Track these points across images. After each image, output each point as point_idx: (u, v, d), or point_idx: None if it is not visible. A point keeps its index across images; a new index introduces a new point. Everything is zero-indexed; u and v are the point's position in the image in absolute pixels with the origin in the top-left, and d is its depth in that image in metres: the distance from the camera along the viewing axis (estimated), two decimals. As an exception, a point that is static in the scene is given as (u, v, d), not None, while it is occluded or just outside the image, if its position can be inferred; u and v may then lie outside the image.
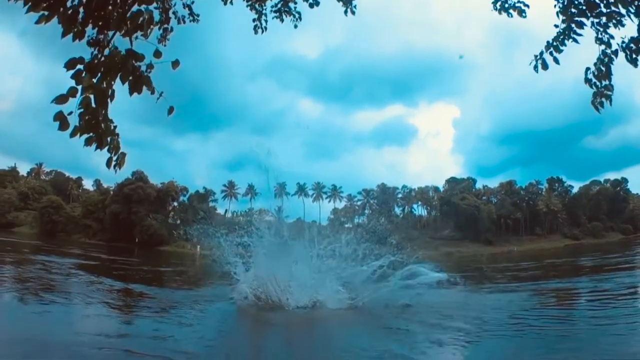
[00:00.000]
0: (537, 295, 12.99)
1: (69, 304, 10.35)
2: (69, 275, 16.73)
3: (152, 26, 3.63)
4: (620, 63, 4.71)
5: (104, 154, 3.38)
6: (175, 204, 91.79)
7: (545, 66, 4.91)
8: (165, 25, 4.87)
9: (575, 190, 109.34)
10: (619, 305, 10.56)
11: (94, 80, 3.21)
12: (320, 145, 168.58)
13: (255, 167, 12.43)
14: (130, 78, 3.28)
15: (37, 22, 3.15)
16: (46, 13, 3.14)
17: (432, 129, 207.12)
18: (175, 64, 3.42)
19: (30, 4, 3.08)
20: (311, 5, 6.42)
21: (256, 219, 12.75)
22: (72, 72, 3.13)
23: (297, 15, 6.58)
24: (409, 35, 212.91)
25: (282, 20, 6.55)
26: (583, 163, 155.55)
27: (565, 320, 9.16)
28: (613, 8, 4.55)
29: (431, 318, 9.37)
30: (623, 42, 4.64)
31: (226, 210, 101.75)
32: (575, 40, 4.79)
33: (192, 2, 5.77)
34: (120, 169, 3.48)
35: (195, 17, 5.77)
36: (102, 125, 3.28)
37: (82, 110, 3.15)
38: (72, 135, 3.13)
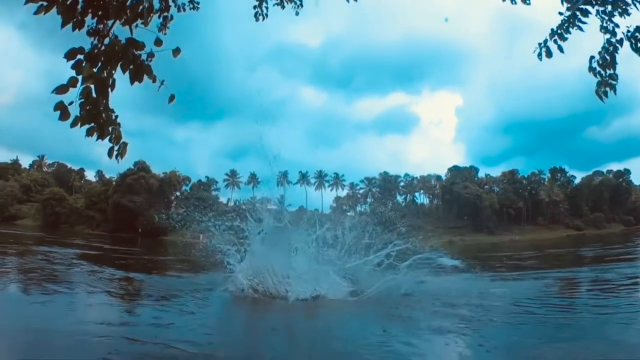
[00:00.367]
0: (539, 284, 13.05)
1: (72, 294, 10.43)
2: (71, 265, 16.84)
3: (152, 14, 3.60)
4: (623, 55, 4.67)
5: (106, 144, 3.38)
6: (178, 193, 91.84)
7: (549, 54, 4.87)
8: (165, 14, 4.82)
9: (577, 180, 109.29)
10: (620, 295, 10.62)
11: (95, 70, 3.19)
12: (323, 133, 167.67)
13: (257, 155, 12.29)
14: (131, 67, 3.26)
15: (36, 13, 3.11)
16: (45, 3, 3.10)
17: (435, 118, 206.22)
18: (176, 51, 3.39)
19: (29, -6, 3.05)
20: (312, -8, 6.36)
21: (258, 208, 12.57)
22: (72, 62, 3.11)
23: (298, 2, 6.51)
24: (412, 22, 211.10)
25: (282, 7, 6.49)
26: (586, 153, 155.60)
27: (567, 309, 9.20)
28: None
29: (433, 306, 9.44)
30: (628, 31, 4.60)
31: (229, 199, 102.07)
32: (580, 28, 4.74)
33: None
34: (122, 158, 3.48)
35: (195, 4, 5.70)
36: (103, 115, 3.27)
37: (82, 100, 3.13)
38: (73, 125, 3.12)
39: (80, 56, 3.13)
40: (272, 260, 10.91)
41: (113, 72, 3.29)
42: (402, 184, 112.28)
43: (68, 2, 3.18)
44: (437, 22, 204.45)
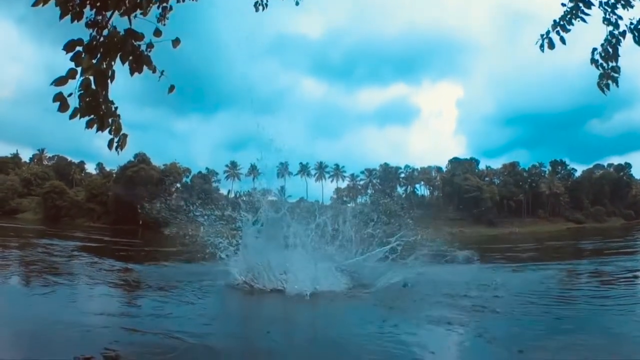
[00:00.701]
0: (539, 276, 13.11)
1: (73, 285, 10.49)
2: (72, 257, 16.88)
3: (151, 5, 3.57)
4: (626, 47, 4.64)
5: (106, 137, 3.37)
6: (178, 185, 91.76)
7: (551, 45, 4.84)
8: (164, 4, 4.77)
9: (578, 173, 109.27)
10: (619, 288, 10.69)
11: (94, 62, 3.17)
12: (323, 124, 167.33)
13: (257, 147, 12.19)
14: (131, 58, 3.24)
15: (34, 5, 3.09)
16: (43, -5, 3.08)
17: (435, 109, 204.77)
18: (176, 42, 3.37)
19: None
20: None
21: (259, 200, 12.41)
22: (71, 54, 3.09)
23: (298, -9, 6.45)
24: (413, 13, 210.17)
25: (283, -4, 6.42)
26: (587, 147, 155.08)
27: (567, 300, 9.23)
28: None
29: (434, 296, 9.47)
30: (631, 23, 4.57)
31: (229, 191, 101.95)
32: (583, 20, 4.70)
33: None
34: (122, 150, 3.47)
35: (195, -6, 5.65)
36: (103, 106, 3.25)
37: (82, 92, 3.11)
38: (72, 117, 3.11)
39: (79, 48, 3.11)
40: (268, 254, 10.73)
41: (112, 63, 3.27)
42: (402, 175, 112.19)
43: (66, -7, 3.15)
44: (439, 13, 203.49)
